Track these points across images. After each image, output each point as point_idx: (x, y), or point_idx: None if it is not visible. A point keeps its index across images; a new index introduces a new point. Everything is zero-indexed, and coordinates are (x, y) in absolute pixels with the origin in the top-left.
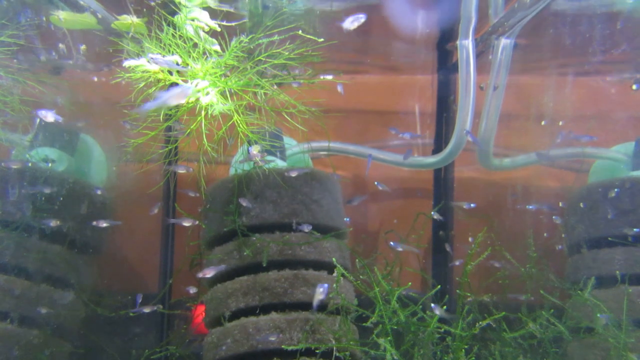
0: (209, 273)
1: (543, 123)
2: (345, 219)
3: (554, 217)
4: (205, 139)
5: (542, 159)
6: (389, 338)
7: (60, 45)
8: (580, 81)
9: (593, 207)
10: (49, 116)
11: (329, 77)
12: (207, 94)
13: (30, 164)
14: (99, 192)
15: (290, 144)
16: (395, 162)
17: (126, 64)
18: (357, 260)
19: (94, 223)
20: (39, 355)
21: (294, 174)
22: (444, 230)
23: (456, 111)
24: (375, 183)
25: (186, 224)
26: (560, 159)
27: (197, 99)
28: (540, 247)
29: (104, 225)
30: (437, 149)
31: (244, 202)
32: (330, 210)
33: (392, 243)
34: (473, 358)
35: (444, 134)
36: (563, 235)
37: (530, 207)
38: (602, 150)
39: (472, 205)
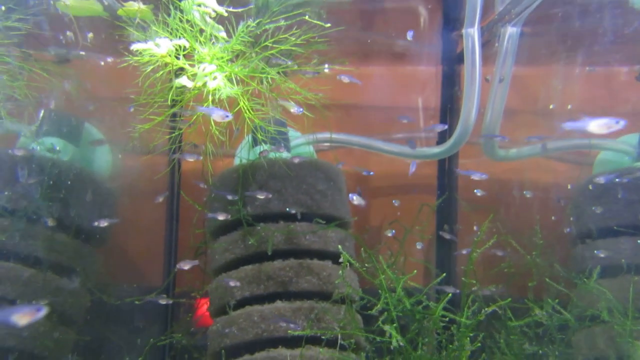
0: (185, 266)
1: (551, 107)
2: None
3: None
4: (213, 125)
5: (547, 151)
6: (394, 325)
7: (68, 33)
8: (588, 71)
9: (598, 198)
10: None
11: (336, 66)
12: (215, 78)
13: (35, 153)
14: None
15: (295, 136)
16: (401, 153)
17: (134, 47)
18: (362, 249)
19: (95, 223)
20: (44, 342)
21: (297, 162)
22: (448, 222)
23: (461, 101)
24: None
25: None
26: (566, 150)
27: (204, 84)
28: (546, 238)
29: (105, 223)
30: (442, 139)
31: (248, 193)
32: (334, 201)
33: None
34: (478, 345)
35: (448, 124)
36: (567, 230)
37: (529, 195)
38: (607, 142)
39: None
